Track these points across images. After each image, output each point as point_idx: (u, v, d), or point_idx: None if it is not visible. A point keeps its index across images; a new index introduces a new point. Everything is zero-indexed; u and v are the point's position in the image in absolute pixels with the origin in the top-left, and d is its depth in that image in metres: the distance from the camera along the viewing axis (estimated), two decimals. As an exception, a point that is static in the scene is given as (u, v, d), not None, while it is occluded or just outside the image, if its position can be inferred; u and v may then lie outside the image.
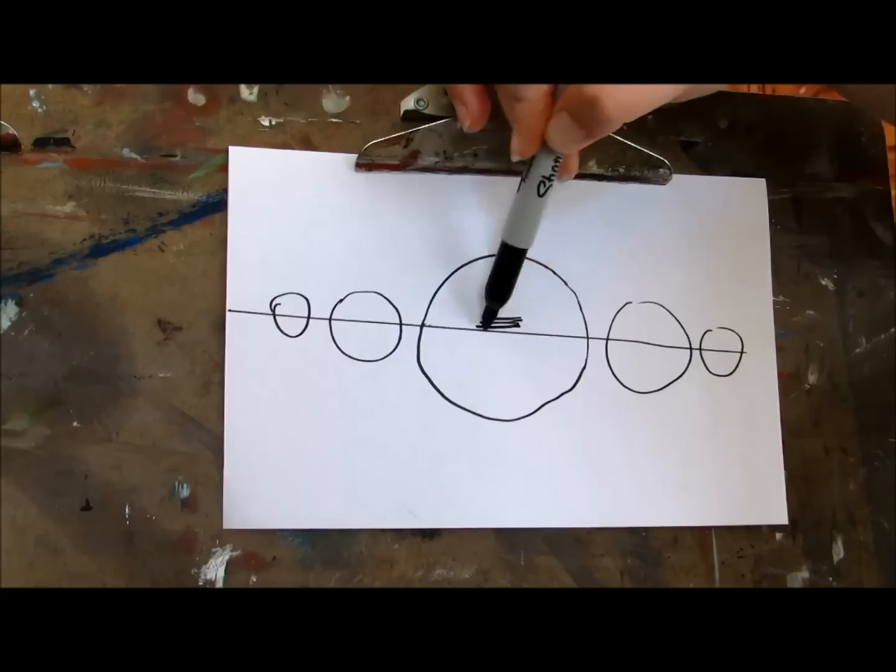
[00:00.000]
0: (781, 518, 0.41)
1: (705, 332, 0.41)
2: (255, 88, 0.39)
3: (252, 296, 0.37)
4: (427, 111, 0.39)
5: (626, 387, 0.40)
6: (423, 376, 0.38)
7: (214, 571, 0.36)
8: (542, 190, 0.35)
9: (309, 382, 0.37)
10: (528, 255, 0.38)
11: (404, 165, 0.39)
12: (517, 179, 0.40)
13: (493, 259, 0.38)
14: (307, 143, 0.39)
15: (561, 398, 0.39)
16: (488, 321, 0.39)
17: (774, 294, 0.43)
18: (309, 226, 0.38)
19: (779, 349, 0.42)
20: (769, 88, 0.55)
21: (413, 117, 0.39)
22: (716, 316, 0.42)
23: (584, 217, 0.41)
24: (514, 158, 0.35)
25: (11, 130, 0.36)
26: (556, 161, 0.34)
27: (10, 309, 0.36)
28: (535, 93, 0.33)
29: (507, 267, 0.37)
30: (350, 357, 0.38)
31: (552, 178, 0.35)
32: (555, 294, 0.40)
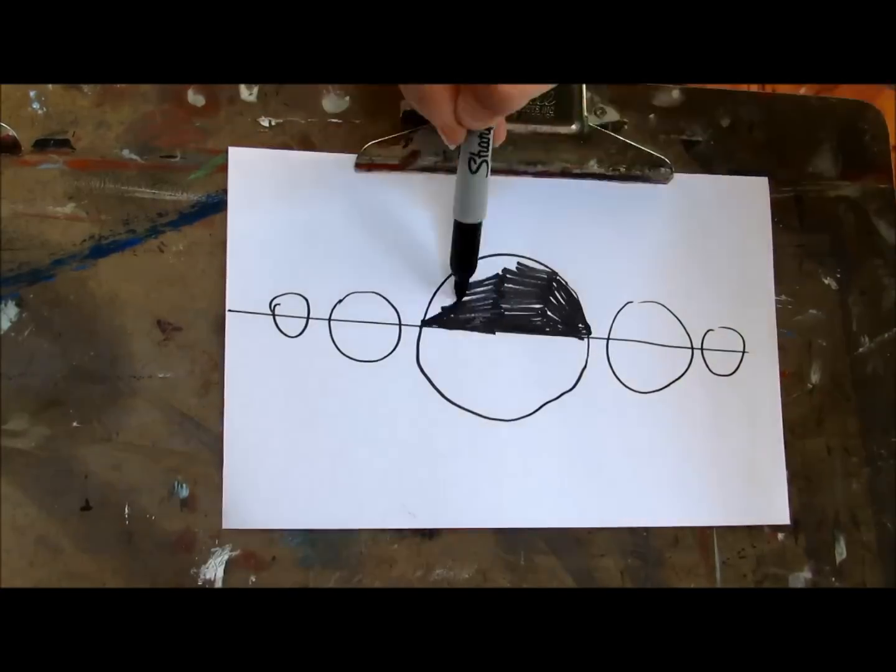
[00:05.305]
0: (783, 518, 0.40)
1: (707, 332, 0.41)
2: (255, 89, 0.39)
3: (251, 296, 0.37)
4: (426, 111, 0.39)
5: (626, 386, 0.40)
6: (422, 376, 0.38)
7: (214, 571, 0.36)
8: (473, 167, 0.34)
9: (308, 382, 0.37)
10: (527, 255, 0.39)
11: (404, 165, 0.39)
12: (517, 179, 0.40)
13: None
14: (307, 144, 0.39)
15: (561, 398, 0.39)
16: (461, 293, 0.39)
17: (777, 293, 0.42)
18: (308, 226, 0.38)
19: (781, 348, 0.42)
20: (769, 87, 0.54)
21: (413, 117, 0.39)
22: (717, 315, 0.41)
23: (584, 217, 0.41)
24: (451, 146, 0.35)
25: (11, 132, 0.37)
26: (481, 138, 0.34)
27: (10, 309, 0.36)
28: (434, 89, 0.33)
29: (463, 241, 0.37)
30: (349, 357, 0.38)
31: (482, 154, 0.34)
32: (556, 294, 0.40)
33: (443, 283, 0.39)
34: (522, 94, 0.31)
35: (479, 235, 0.37)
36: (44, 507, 0.35)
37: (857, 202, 0.44)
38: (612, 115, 0.41)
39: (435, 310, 0.39)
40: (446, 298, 0.39)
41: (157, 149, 0.38)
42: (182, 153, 0.38)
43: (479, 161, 0.34)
